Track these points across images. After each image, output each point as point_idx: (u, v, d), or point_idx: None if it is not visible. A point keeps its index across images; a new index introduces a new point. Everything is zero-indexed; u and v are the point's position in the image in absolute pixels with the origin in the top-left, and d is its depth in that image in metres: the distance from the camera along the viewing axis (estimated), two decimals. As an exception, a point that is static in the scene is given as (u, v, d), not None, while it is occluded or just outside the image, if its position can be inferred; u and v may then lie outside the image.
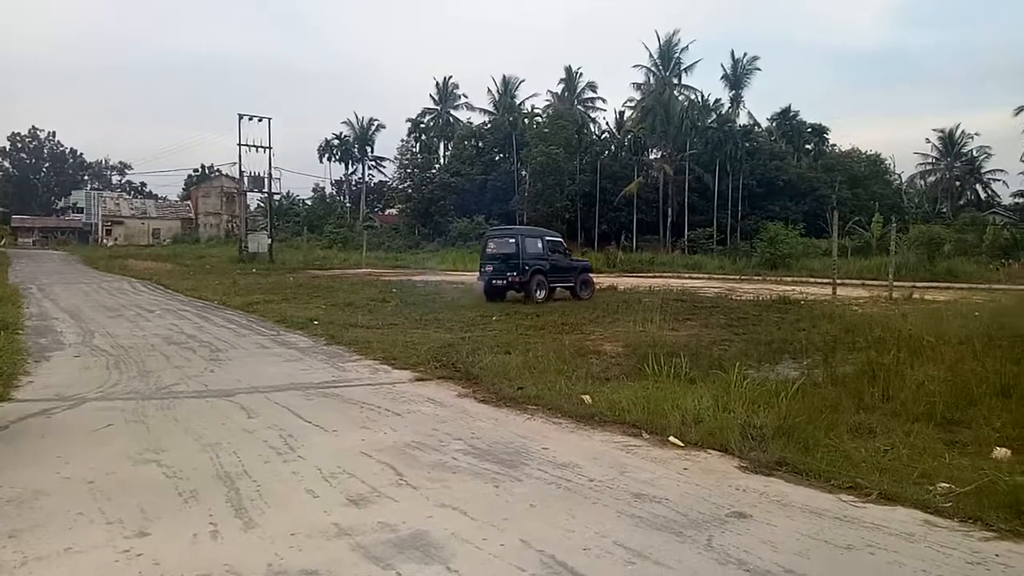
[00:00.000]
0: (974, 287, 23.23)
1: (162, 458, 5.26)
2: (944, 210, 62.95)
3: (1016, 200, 60.03)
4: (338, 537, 3.81)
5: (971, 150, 67.32)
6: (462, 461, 5.23)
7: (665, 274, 37.90)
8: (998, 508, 4.09)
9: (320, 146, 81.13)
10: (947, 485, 4.51)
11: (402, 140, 74.68)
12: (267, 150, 48.73)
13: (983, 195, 68.07)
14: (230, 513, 4.15)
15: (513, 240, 19.82)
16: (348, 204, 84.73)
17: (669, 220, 59.11)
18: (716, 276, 36.46)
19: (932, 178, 70.21)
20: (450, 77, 73.88)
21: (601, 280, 28.02)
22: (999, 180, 67.75)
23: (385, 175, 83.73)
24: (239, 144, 47.93)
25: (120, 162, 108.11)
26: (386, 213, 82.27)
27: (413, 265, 44.49)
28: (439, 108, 73.75)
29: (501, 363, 8.97)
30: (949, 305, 14.72)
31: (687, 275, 37.01)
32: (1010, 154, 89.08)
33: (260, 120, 48.22)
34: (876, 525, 4.02)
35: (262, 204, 65.75)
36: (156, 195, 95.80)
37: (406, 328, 13.15)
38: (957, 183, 68.55)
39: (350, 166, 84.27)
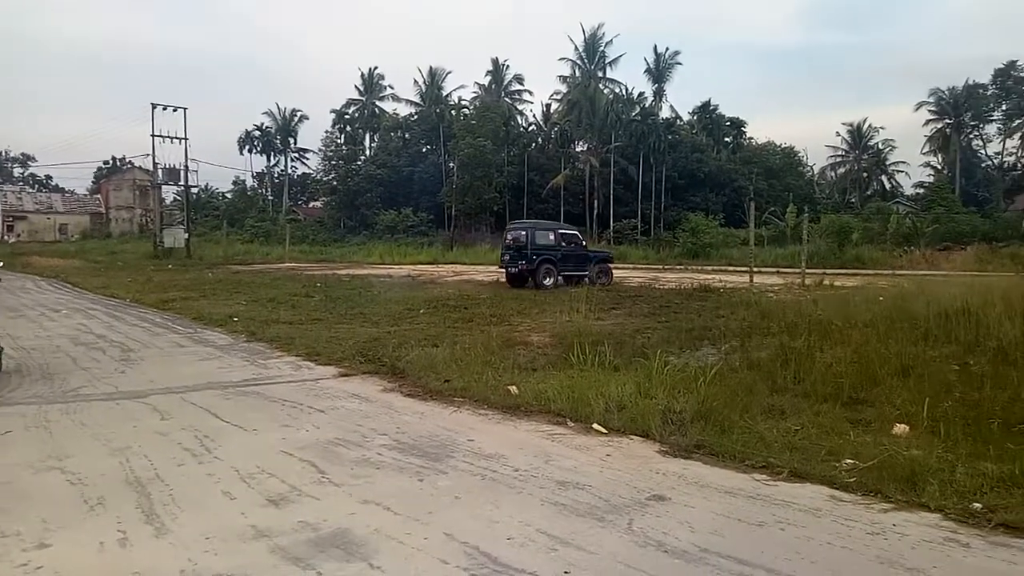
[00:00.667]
0: (879, 273, 24.53)
1: (66, 465, 4.99)
2: (853, 200, 66.19)
3: (917, 191, 63.65)
4: (256, 539, 3.71)
5: (877, 143, 70.92)
6: (386, 456, 5.18)
7: (592, 265, 38.39)
8: (896, 481, 4.34)
9: (240, 137, 78.58)
10: (851, 461, 4.75)
11: (326, 131, 73.01)
12: (183, 141, 46.89)
13: (888, 186, 71.83)
14: (140, 519, 3.98)
15: (524, 232, 21.25)
16: (270, 197, 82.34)
17: (595, 212, 60.00)
18: (641, 266, 37.27)
19: (842, 170, 73.59)
20: (375, 68, 72.66)
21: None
22: (902, 172, 71.72)
23: (309, 167, 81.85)
24: (152, 135, 45.90)
25: (23, 154, 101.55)
26: (310, 206, 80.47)
27: (339, 259, 43.68)
28: (364, 99, 72.39)
29: (428, 356, 8.92)
30: (856, 290, 15.48)
31: (613, 265, 37.68)
32: (911, 147, 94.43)
33: (175, 110, 46.33)
34: (786, 502, 4.20)
35: (178, 197, 63.22)
36: (63, 189, 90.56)
37: (331, 323, 12.91)
38: (864, 175, 72.07)
39: (272, 158, 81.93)
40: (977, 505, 4.00)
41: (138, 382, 8.11)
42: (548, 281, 20.17)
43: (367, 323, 12.85)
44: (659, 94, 66.90)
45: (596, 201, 60.11)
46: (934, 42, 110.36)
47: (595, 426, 5.91)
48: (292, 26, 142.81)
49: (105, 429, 5.99)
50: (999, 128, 62.58)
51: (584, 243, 23.03)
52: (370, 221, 59.72)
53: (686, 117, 70.29)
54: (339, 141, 71.41)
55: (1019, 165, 63.49)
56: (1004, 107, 60.94)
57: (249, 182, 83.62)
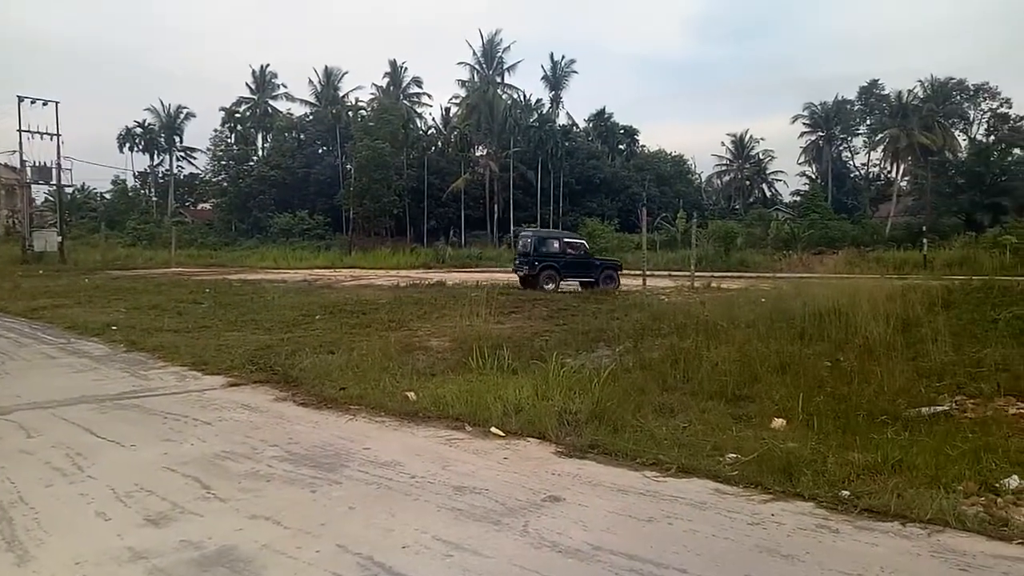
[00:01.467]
0: (761, 276, 25.96)
1: (-87, 492, 4.52)
2: (737, 207, 69.91)
3: (794, 198, 67.94)
4: (132, 562, 3.49)
5: (758, 153, 75.20)
6: (277, 468, 5.00)
7: (493, 269, 38.67)
8: (774, 472, 4.60)
9: (120, 134, 73.79)
10: (734, 455, 5.00)
11: (215, 130, 69.71)
12: (55, 137, 43.53)
13: (768, 193, 76.29)
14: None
15: (530, 240, 23.20)
16: (154, 198, 77.85)
17: (496, 216, 60.46)
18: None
19: (727, 178, 77.48)
20: (267, 65, 70.15)
21: (430, 276, 28.12)
22: (780, 180, 76.43)
23: (197, 167, 77.90)
24: (19, 130, 42.37)
25: None
26: (199, 208, 76.60)
27: (230, 263, 41.90)
28: (256, 97, 69.74)
29: (323, 364, 8.69)
30: (741, 292, 16.36)
31: (513, 270, 38.05)
32: (789, 157, 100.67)
33: (45, 104, 42.94)
34: (674, 497, 4.37)
35: (51, 198, 58.70)
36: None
37: (220, 331, 12.34)
38: (747, 182, 76.20)
39: (156, 157, 77.47)
40: (845, 492, 4.29)
41: (2, 397, 7.46)
42: (549, 286, 21.31)
43: (259, 330, 12.37)
44: (556, 101, 68.29)
45: (496, 205, 60.56)
46: (808, 59, 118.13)
47: (493, 430, 5.94)
48: (176, 18, 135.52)
49: (-40, 450, 5.47)
50: (865, 141, 67.87)
51: (589, 252, 24.67)
52: (263, 224, 57.60)
53: (582, 124, 72.13)
54: (229, 140, 68.45)
55: (882, 176, 68.94)
56: (868, 121, 66.09)
57: (130, 182, 78.63)
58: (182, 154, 77.92)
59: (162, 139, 75.34)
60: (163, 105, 74.03)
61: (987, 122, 60.59)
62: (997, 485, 4.31)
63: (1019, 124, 57.93)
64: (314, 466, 5.04)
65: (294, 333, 11.83)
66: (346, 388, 7.47)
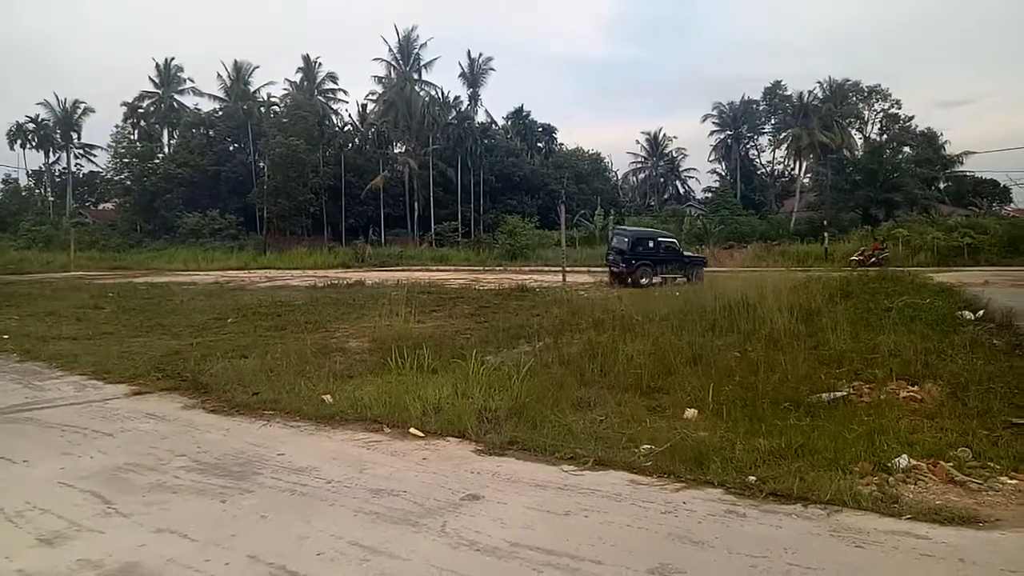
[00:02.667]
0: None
1: None
2: (652, 203, 71.80)
3: (706, 195, 70.28)
4: (23, 586, 3.27)
5: (671, 151, 77.44)
6: (185, 479, 4.80)
7: (414, 268, 38.40)
8: (686, 461, 4.75)
9: (10, 130, 68.89)
10: (649, 446, 5.13)
11: (117, 126, 65.95)
12: (-67, 132, 40.23)
13: (682, 190, 78.68)
14: None
15: (627, 239, 24.26)
16: (51, 198, 73.12)
17: (416, 214, 59.90)
18: (462, 268, 37.79)
19: (642, 175, 79.45)
20: (173, 59, 66.92)
21: (349, 276, 27.63)
22: (693, 177, 78.99)
23: (98, 165, 73.65)
24: None
25: None
26: (100, 208, 72.51)
27: (136, 266, 39.93)
28: (161, 92, 66.51)
29: (235, 368, 8.39)
30: (656, 287, 16.79)
31: (435, 268, 37.89)
32: (700, 155, 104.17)
33: (-79, 96, 39.66)
34: (591, 490, 4.45)
35: (-70, 197, 54.49)
36: None
37: (124, 337, 11.74)
38: (661, 180, 78.36)
39: (52, 154, 72.80)
40: (752, 478, 4.48)
41: None
42: (644, 280, 22.45)
43: (167, 335, 11.84)
44: (474, 99, 68.21)
45: (416, 203, 60.00)
46: (716, 60, 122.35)
47: (412, 430, 5.89)
48: (70, 6, 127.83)
49: None
50: (770, 139, 70.91)
51: (680, 249, 25.61)
52: (172, 224, 55.02)
53: (501, 122, 72.33)
54: (132, 137, 65.03)
55: (787, 173, 72.25)
56: (773, 121, 69.10)
57: (23, 181, 73.70)
58: (81, 151, 73.53)
59: (58, 135, 70.86)
60: (58, 99, 69.60)
61: (880, 122, 64.49)
62: (889, 465, 4.59)
63: (908, 124, 61.89)
64: (224, 475, 4.86)
65: (204, 337, 11.38)
66: (259, 393, 7.24)
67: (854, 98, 63.42)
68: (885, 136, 61.92)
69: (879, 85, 63.20)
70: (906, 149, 58.01)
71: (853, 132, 62.95)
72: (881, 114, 64.12)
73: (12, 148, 69.67)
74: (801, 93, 61.91)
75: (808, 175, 64.93)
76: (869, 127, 64.95)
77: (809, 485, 4.28)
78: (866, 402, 6.18)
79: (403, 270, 35.10)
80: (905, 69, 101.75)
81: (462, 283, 22.89)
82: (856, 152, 59.60)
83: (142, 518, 4.10)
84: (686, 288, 15.09)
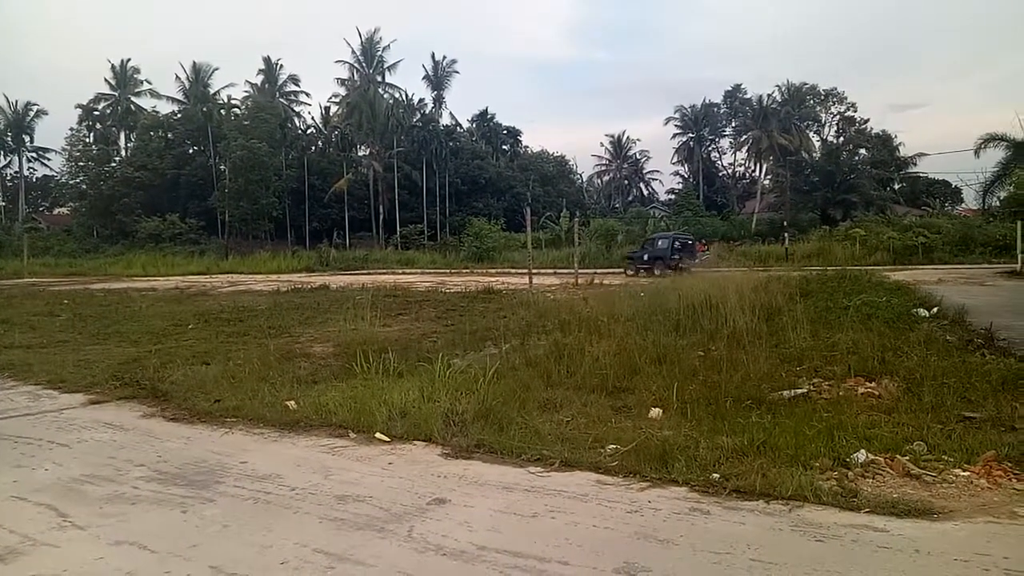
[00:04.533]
0: (639, 271, 26.96)
1: None
2: (617, 205, 72.49)
3: (669, 196, 71.21)
4: (-27, 604, 3.17)
5: (635, 153, 78.38)
6: (144, 489, 4.69)
7: (380, 271, 38.14)
8: (651, 461, 4.79)
9: (-43, 133, 66.82)
10: (614, 446, 5.16)
11: (71, 129, 64.34)
12: None
13: (646, 192, 79.68)
14: None
15: (667, 239, 30.83)
16: (3, 203, 71.07)
17: (381, 217, 59.52)
18: (429, 271, 37.66)
19: (607, 177, 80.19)
20: (129, 60, 65.56)
21: (313, 280, 27.31)
22: (656, 179, 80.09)
23: (51, 169, 71.73)
24: None
25: None
26: (55, 213, 70.65)
27: (92, 272, 38.94)
28: (117, 94, 65.04)
29: (196, 375, 8.23)
30: (621, 288, 16.93)
31: (401, 271, 37.68)
32: (663, 157, 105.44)
33: None
34: (558, 491, 4.46)
35: None
36: None
37: (80, 345, 11.43)
38: (626, 182, 79.19)
39: (3, 157, 70.75)
40: (716, 475, 4.54)
41: None
42: (657, 271, 27.36)
43: (125, 342, 11.56)
44: (439, 101, 68.19)
45: (381, 206, 59.63)
46: (677, 64, 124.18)
47: (378, 435, 5.84)
48: (21, 5, 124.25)
49: None
50: (731, 142, 72.18)
51: (694, 245, 31.76)
52: (129, 229, 53.83)
53: (465, 125, 72.33)
54: (88, 140, 63.49)
55: (747, 175, 73.50)
56: (734, 124, 70.33)
57: (-27, 185, 71.60)
58: (34, 155, 71.62)
59: (9, 138, 68.89)
60: (8, 101, 67.75)
61: (836, 125, 66.01)
62: (848, 460, 4.68)
63: (863, 127, 63.42)
64: (185, 484, 4.77)
65: (164, 344, 11.14)
66: (221, 400, 7.11)
67: (811, 101, 64.87)
68: (842, 138, 63.41)
69: (835, 89, 64.87)
70: (862, 151, 59.45)
71: (811, 135, 64.42)
72: (838, 117, 65.72)
73: (-40, 151, 67.55)
74: (760, 96, 63.25)
75: (768, 177, 66.23)
76: (826, 130, 66.60)
77: (771, 481, 4.35)
78: (826, 399, 6.31)
79: (368, 273, 34.83)
80: (859, 73, 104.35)
81: (428, 286, 22.80)
82: (814, 154, 60.95)
83: (99, 530, 3.99)
84: (651, 288, 15.24)
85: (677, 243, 30.44)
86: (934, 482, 4.39)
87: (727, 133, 72.39)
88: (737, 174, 75.17)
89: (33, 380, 8.75)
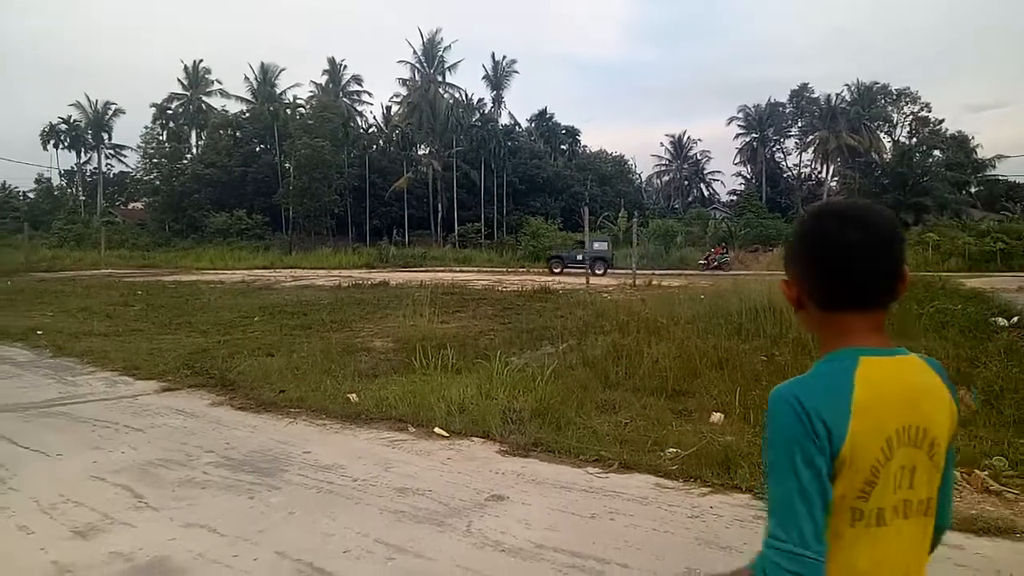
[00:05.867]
0: (700, 273, 26.55)
1: None
2: (676, 206, 71.36)
3: (731, 198, 69.76)
4: (57, 577, 3.33)
5: (695, 153, 76.96)
6: (213, 475, 4.85)
7: (437, 269, 38.52)
8: (713, 466, 4.71)
9: (44, 131, 70.40)
10: (674, 450, 5.09)
11: (146, 127, 67.06)
12: (-30, 132, 41.25)
13: (706, 193, 78.15)
14: (-89, 568, 3.45)
15: (583, 251, 30.49)
16: (83, 197, 74.56)
17: (440, 215, 60.12)
18: (485, 269, 37.82)
19: (666, 178, 79.03)
20: (201, 61, 67.95)
21: (373, 276, 27.80)
22: (718, 180, 78.43)
23: (128, 165, 74.96)
24: (-69, 124, 40.03)
25: None
26: (130, 207, 73.76)
27: (164, 264, 40.52)
28: (189, 94, 67.54)
29: (262, 366, 8.48)
30: (680, 290, 16.66)
31: (458, 269, 37.98)
32: (725, 157, 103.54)
33: (-41, 97, 40.67)
34: (616, 492, 4.42)
35: (-33, 197, 55.88)
36: None
37: (152, 334, 11.93)
38: (686, 182, 77.89)
39: (83, 154, 74.24)
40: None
41: (-89, 409, 7.03)
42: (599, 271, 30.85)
43: (194, 333, 12.00)
44: (498, 101, 68.34)
45: (440, 204, 60.23)
46: (741, 63, 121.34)
47: (436, 430, 5.90)
48: (103, 8, 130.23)
49: None
50: (796, 143, 70.18)
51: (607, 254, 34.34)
52: (199, 224, 55.81)
53: (524, 124, 72.36)
54: (161, 138, 66.10)
55: (813, 176, 71.40)
56: (800, 124, 68.36)
57: (56, 181, 75.42)
58: (111, 152, 74.94)
59: (89, 136, 72.27)
60: (90, 101, 71.01)
61: (909, 125, 63.47)
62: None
63: (938, 127, 60.84)
64: (252, 471, 4.91)
65: (231, 335, 11.51)
66: (286, 391, 7.32)
67: (882, 101, 62.59)
68: (914, 139, 60.91)
69: (908, 88, 62.42)
70: (936, 152, 56.99)
71: (882, 135, 62.12)
72: (910, 117, 63.16)
73: (45, 148, 71.30)
74: (828, 96, 61.27)
75: (835, 179, 64.13)
76: (898, 130, 64.07)
77: (839, 492, 4.21)
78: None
79: (426, 271, 35.22)
80: (934, 72, 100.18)
81: (485, 284, 22.90)
82: (885, 155, 58.76)
83: (172, 512, 4.16)
84: (711, 291, 14.98)
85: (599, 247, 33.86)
86: (1016, 499, 4.18)
87: (792, 133, 70.41)
88: (802, 175, 73.10)
89: (110, 367, 9.17)
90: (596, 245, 33.94)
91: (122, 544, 3.68)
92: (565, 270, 32.77)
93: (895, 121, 64.06)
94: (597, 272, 30.94)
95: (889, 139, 62.98)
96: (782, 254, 1.31)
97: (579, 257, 32.94)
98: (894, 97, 62.88)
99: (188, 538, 3.77)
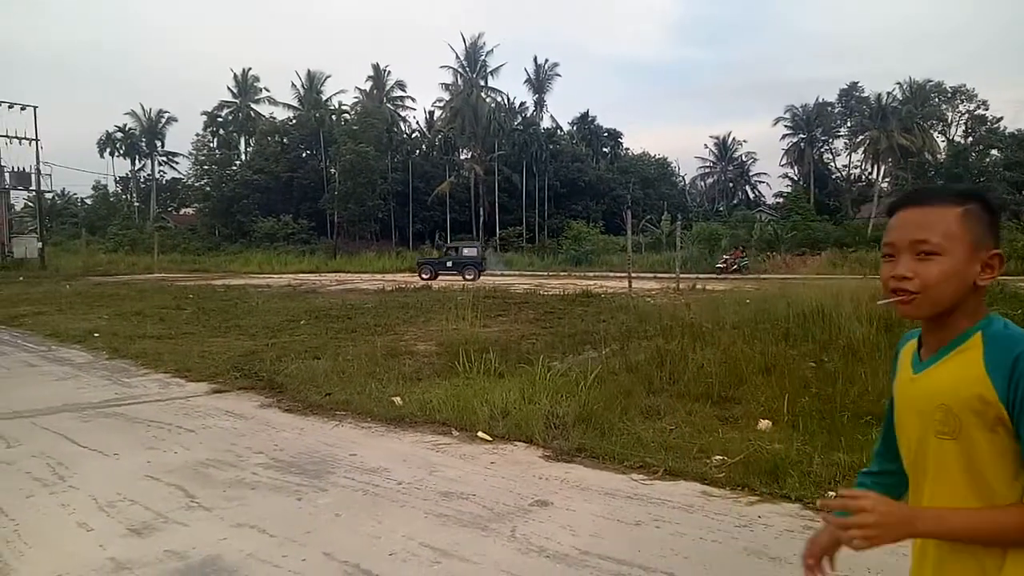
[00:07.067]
0: (745, 277, 26.12)
1: None
2: (721, 209, 70.17)
3: (777, 200, 68.36)
4: (115, 572, 3.44)
5: (740, 155, 75.81)
6: (262, 476, 4.95)
7: (478, 272, 38.59)
8: (760, 474, 4.61)
9: (100, 139, 73.12)
10: (721, 457, 5.01)
11: (197, 134, 69.14)
12: (33, 142, 43.10)
13: (751, 195, 76.85)
14: (-21, 561, 3.60)
15: (453, 256, 34.81)
16: (136, 203, 77.12)
17: (481, 219, 60.40)
18: (526, 273, 37.90)
19: (710, 180, 78.00)
20: (249, 69, 69.76)
21: (415, 281, 28.09)
22: (763, 182, 77.10)
23: (179, 172, 77.29)
24: (-4, 135, 41.89)
25: None
26: (181, 213, 75.99)
27: (214, 268, 41.58)
28: (238, 102, 69.31)
29: (308, 369, 8.63)
30: (725, 294, 16.41)
31: (499, 273, 38.08)
32: (771, 159, 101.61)
33: (23, 108, 42.52)
34: (662, 500, 4.37)
35: (30, 203, 58.34)
36: None
37: (203, 337, 12.24)
38: (730, 184, 76.74)
39: (137, 161, 76.81)
40: (832, 493, 4.31)
41: (-21, 407, 7.35)
42: (469, 276, 32.34)
43: (243, 336, 12.28)
44: (540, 104, 68.38)
45: (482, 209, 60.52)
46: (786, 62, 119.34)
47: (480, 434, 5.92)
48: (156, 21, 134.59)
49: (-63, 462, 5.38)
50: (845, 143, 68.43)
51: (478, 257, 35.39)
52: (247, 229, 57.21)
53: (566, 127, 72.26)
54: (211, 145, 67.95)
55: (863, 177, 69.59)
56: (849, 124, 66.63)
57: (111, 187, 78.21)
58: (164, 159, 77.43)
59: (143, 144, 74.74)
60: (144, 109, 73.52)
61: (965, 124, 61.43)
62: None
63: (995, 126, 58.74)
64: (300, 473, 5.00)
65: (279, 339, 11.74)
66: (332, 394, 7.43)
67: (937, 99, 60.71)
68: (971, 139, 58.97)
69: (964, 85, 60.36)
70: (994, 152, 55.07)
71: (936, 135, 60.22)
72: (966, 116, 61.14)
73: (102, 156, 74.06)
74: (879, 95, 59.60)
75: (887, 179, 62.41)
76: (953, 129, 62.07)
77: (894, 504, 4.08)
78: (954, 417, 5.87)
79: (468, 275, 35.40)
80: (991, 69, 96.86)
81: (527, 288, 22.91)
82: (939, 155, 56.98)
83: (223, 512, 4.25)
84: (757, 295, 14.72)
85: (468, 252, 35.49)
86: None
87: (842, 134, 68.67)
88: (852, 177, 71.32)
89: (163, 369, 9.44)
90: (466, 251, 35.34)
91: (176, 543, 3.78)
92: (438, 276, 33.00)
93: (950, 120, 62.15)
94: (467, 277, 32.03)
95: (943, 139, 61.11)
96: (972, 224, 1.32)
97: (449, 263, 34.31)
98: (949, 95, 60.97)
99: (239, 538, 3.86)
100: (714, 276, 28.72)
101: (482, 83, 63.09)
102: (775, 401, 6.24)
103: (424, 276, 33.26)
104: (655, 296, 17.97)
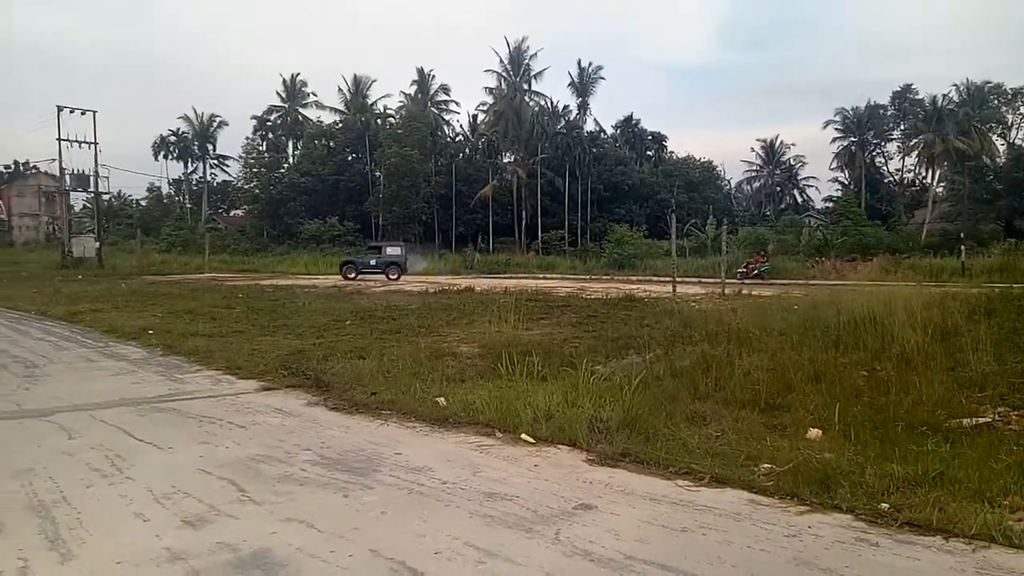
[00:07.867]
0: (793, 283, 25.60)
1: (-40, 491, 4.65)
2: (767, 213, 68.97)
3: (826, 204, 66.82)
4: (171, 562, 3.54)
5: (788, 159, 74.37)
6: (310, 472, 5.04)
7: (520, 275, 38.73)
8: (810, 484, 4.51)
9: (155, 143, 75.54)
10: (769, 465, 4.92)
11: (247, 138, 71.04)
12: (92, 145, 44.81)
13: (800, 199, 75.32)
14: (44, 546, 3.75)
15: (376, 256, 36.17)
16: (188, 205, 79.42)
17: (524, 222, 60.50)
18: (568, 276, 37.80)
19: (757, 184, 76.70)
20: (298, 74, 71.23)
21: (458, 282, 28.24)
22: (812, 186, 75.46)
23: (229, 174, 79.37)
24: (59, 139, 43.65)
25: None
26: (231, 214, 78.03)
27: (262, 269, 42.49)
28: (287, 106, 70.80)
29: (354, 369, 8.75)
30: (772, 300, 16.10)
31: (541, 276, 38.09)
32: (820, 163, 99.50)
33: (83, 113, 44.23)
34: (708, 507, 4.31)
35: (88, 204, 60.51)
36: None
37: (253, 335, 12.51)
38: (778, 188, 75.32)
39: (190, 164, 79.12)
40: (885, 505, 4.20)
41: (43, 399, 7.65)
42: (394, 276, 34.29)
43: (291, 335, 12.52)
44: (583, 107, 68.21)
45: (524, 212, 60.61)
46: (836, 64, 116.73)
47: (523, 436, 5.93)
48: (209, 28, 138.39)
49: (5, 450, 5.62)
50: (899, 146, 66.56)
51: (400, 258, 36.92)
52: (294, 230, 58.35)
53: (609, 131, 71.91)
54: (261, 148, 69.60)
55: (917, 181, 67.61)
56: (902, 127, 64.80)
57: (165, 189, 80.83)
58: (215, 162, 79.59)
59: (196, 147, 76.91)
60: (196, 114, 75.68)
61: (1027, 126, 59.22)
62: (1044, 500, 4.17)
63: (1060, 128, 56.50)
64: (346, 470, 5.08)
65: (325, 338, 11.94)
66: (377, 393, 7.52)
67: (996, 101, 58.63)
68: (1033, 141, 56.79)
69: (1025, 87, 58.12)
70: (1057, 155, 52.93)
71: (994, 138, 58.17)
72: (1028, 118, 58.90)
73: (156, 159, 76.51)
74: (934, 97, 57.88)
75: (942, 184, 60.58)
76: (1013, 132, 59.87)
77: (950, 517, 3.96)
78: (1015, 430, 5.66)
79: (510, 277, 35.49)
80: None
81: (569, 291, 22.85)
82: (998, 159, 55.01)
83: (273, 507, 4.34)
84: (805, 301, 14.43)
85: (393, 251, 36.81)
86: None
87: (894, 137, 66.85)
88: (905, 181, 69.33)
89: (214, 366, 9.69)
90: (390, 250, 36.29)
91: (228, 535, 3.88)
92: (360, 275, 33.88)
93: (1010, 122, 59.99)
94: (391, 277, 32.92)
95: (1003, 142, 59.00)
96: None
97: (372, 262, 35.21)
98: (1009, 97, 58.90)
99: (288, 532, 3.93)
100: (759, 282, 28.22)
101: (525, 87, 63.22)
102: (825, 410, 6.09)
103: (349, 276, 34.03)
104: (700, 301, 17.73)
